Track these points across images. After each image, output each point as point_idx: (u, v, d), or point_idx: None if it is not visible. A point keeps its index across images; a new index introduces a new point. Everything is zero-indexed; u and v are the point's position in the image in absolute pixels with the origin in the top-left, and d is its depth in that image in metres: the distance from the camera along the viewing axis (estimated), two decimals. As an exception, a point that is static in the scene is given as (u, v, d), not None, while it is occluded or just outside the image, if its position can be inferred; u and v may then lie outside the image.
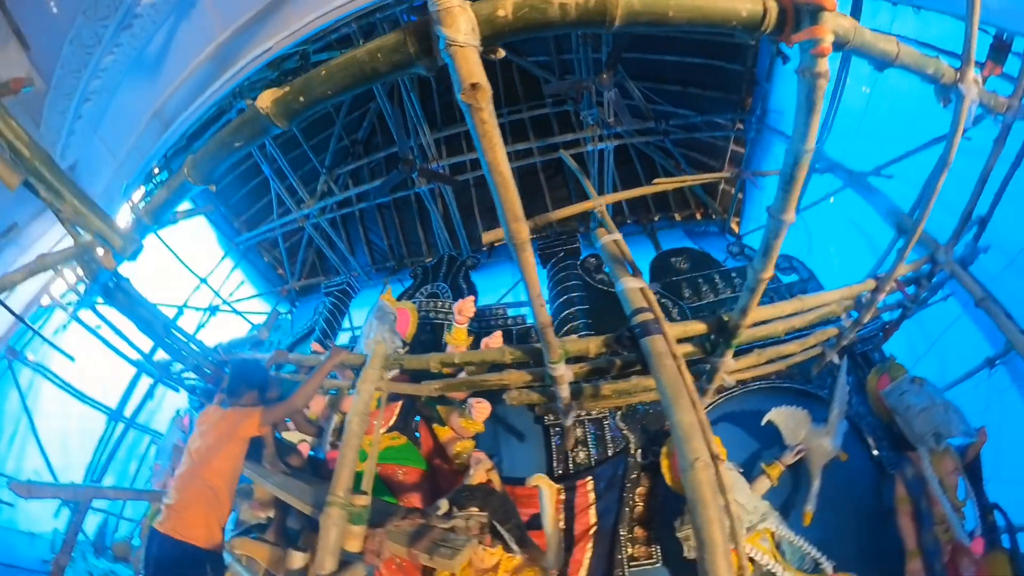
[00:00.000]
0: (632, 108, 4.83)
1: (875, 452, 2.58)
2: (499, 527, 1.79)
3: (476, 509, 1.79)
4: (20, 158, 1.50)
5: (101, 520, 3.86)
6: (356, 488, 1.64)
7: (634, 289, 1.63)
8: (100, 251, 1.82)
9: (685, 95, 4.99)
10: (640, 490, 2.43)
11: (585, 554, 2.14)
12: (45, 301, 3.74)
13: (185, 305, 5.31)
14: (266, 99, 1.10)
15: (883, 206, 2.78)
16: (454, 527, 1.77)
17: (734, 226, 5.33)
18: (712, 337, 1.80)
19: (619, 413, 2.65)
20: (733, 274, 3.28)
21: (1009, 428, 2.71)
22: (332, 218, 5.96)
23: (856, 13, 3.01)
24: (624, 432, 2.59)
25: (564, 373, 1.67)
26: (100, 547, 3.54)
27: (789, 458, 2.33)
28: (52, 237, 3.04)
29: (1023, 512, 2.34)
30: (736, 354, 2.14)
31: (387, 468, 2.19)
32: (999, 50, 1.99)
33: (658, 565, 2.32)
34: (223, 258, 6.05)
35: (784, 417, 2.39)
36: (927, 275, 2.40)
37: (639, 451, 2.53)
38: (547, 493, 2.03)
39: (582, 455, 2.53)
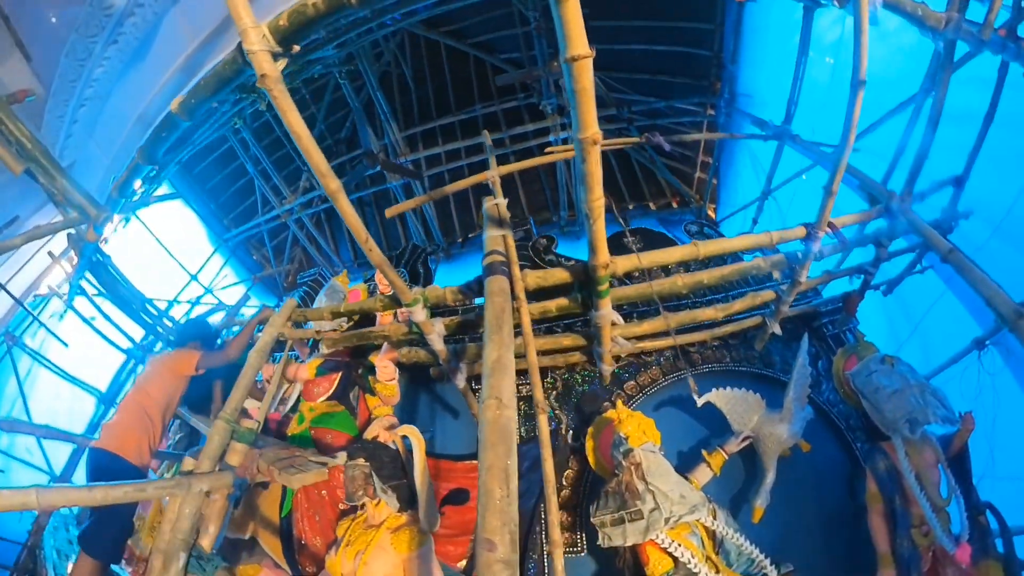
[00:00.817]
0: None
1: (852, 444, 2.25)
2: (381, 482, 1.79)
3: (362, 460, 1.83)
4: (24, 151, 1.89)
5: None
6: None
7: (494, 236, 1.54)
8: (84, 228, 2.26)
9: (655, 83, 4.90)
10: (568, 473, 2.18)
11: None
12: (43, 290, 4.04)
13: (176, 299, 5.34)
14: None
15: (854, 180, 2.55)
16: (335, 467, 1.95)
17: (711, 213, 5.10)
18: (580, 287, 1.64)
19: (553, 393, 2.38)
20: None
21: (1004, 416, 2.35)
22: (316, 214, 6.05)
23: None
24: (556, 412, 2.32)
25: (427, 321, 1.52)
26: (82, 520, 3.53)
27: (733, 446, 2.03)
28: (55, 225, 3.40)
29: (1021, 514, 1.98)
30: (640, 316, 2.03)
31: (319, 431, 2.29)
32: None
33: (583, 554, 2.03)
34: (212, 254, 6.18)
35: (728, 400, 2.08)
36: (886, 234, 2.11)
37: (570, 432, 2.26)
38: (416, 444, 1.89)
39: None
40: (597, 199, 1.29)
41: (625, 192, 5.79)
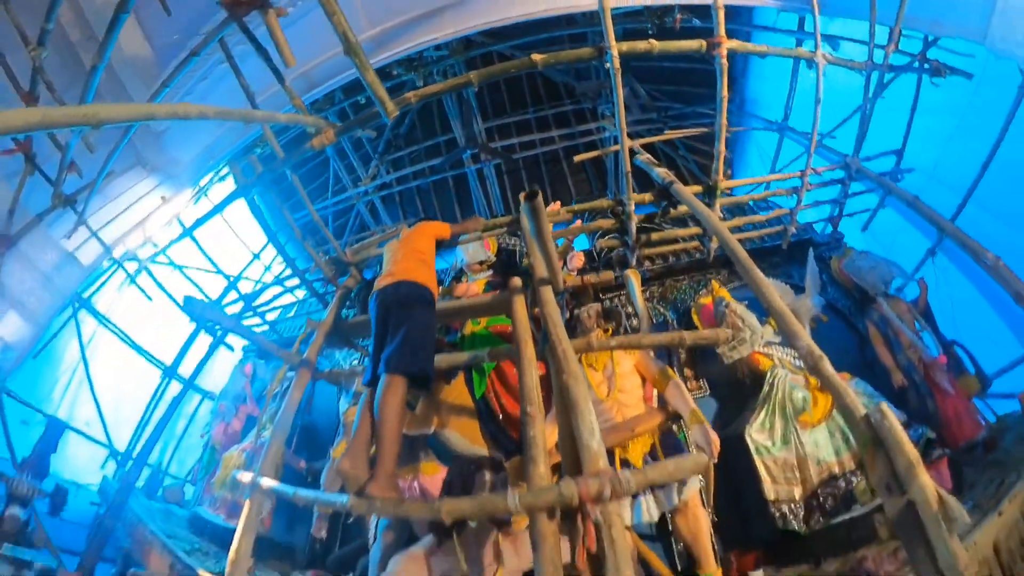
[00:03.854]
0: (641, 105, 6.09)
1: (848, 318, 3.49)
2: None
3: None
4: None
5: (148, 473, 3.95)
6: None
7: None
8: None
9: (681, 93, 6.25)
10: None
11: None
12: (118, 252, 3.94)
13: (240, 276, 5.60)
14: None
15: (834, 157, 3.92)
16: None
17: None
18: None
19: (656, 298, 3.60)
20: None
21: (960, 301, 3.62)
22: (370, 201, 6.97)
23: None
24: (661, 311, 3.52)
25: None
26: (151, 493, 3.71)
27: None
28: (140, 189, 3.83)
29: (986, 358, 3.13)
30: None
31: (495, 328, 2.90)
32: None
33: (706, 395, 3.15)
34: (268, 241, 6.47)
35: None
36: (847, 177, 3.47)
37: (674, 322, 3.46)
38: (634, 281, 2.97)
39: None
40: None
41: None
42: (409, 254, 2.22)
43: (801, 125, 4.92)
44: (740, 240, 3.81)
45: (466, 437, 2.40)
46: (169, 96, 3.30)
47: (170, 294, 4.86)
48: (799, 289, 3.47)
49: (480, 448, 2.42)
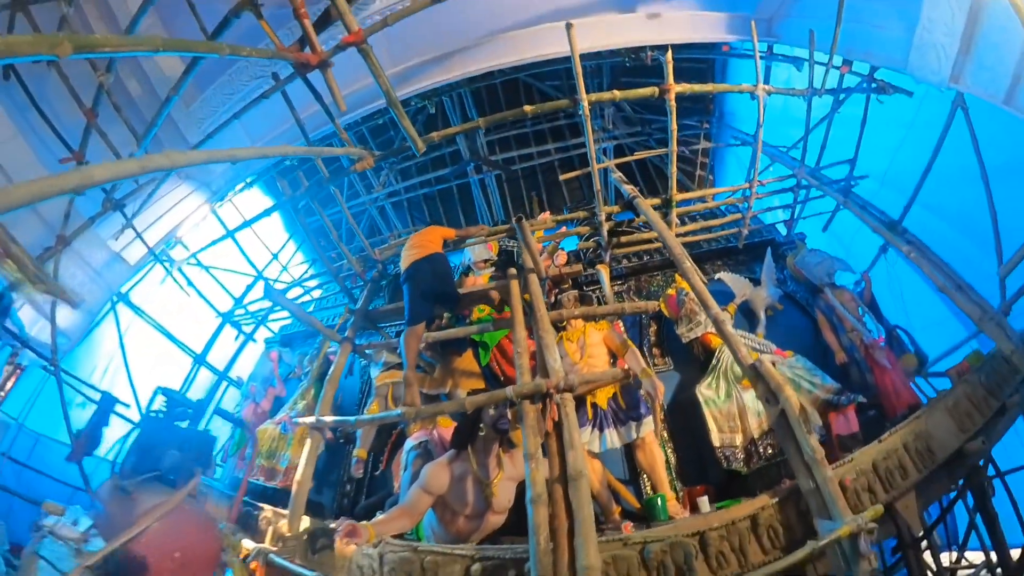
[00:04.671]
0: (625, 118, 6.67)
1: (804, 306, 3.91)
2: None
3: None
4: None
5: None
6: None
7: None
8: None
9: (663, 106, 6.81)
10: (652, 327, 3.82)
11: None
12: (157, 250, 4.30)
13: (260, 275, 6.15)
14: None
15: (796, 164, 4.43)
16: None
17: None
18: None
19: (632, 291, 4.09)
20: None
21: (909, 291, 4.02)
22: (381, 206, 7.66)
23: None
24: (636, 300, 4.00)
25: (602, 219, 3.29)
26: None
27: (735, 303, 3.67)
28: (176, 194, 4.35)
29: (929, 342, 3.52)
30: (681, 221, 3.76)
31: (497, 316, 3.45)
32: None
33: (671, 369, 3.61)
34: (289, 239, 7.32)
35: (731, 279, 3.85)
36: (796, 186, 3.97)
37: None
38: (603, 274, 3.56)
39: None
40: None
41: (643, 186, 7.63)
42: (423, 242, 3.10)
43: (772, 137, 5.42)
44: (707, 240, 4.35)
45: None
46: (210, 115, 3.93)
47: (199, 291, 5.43)
48: (758, 282, 3.94)
49: None
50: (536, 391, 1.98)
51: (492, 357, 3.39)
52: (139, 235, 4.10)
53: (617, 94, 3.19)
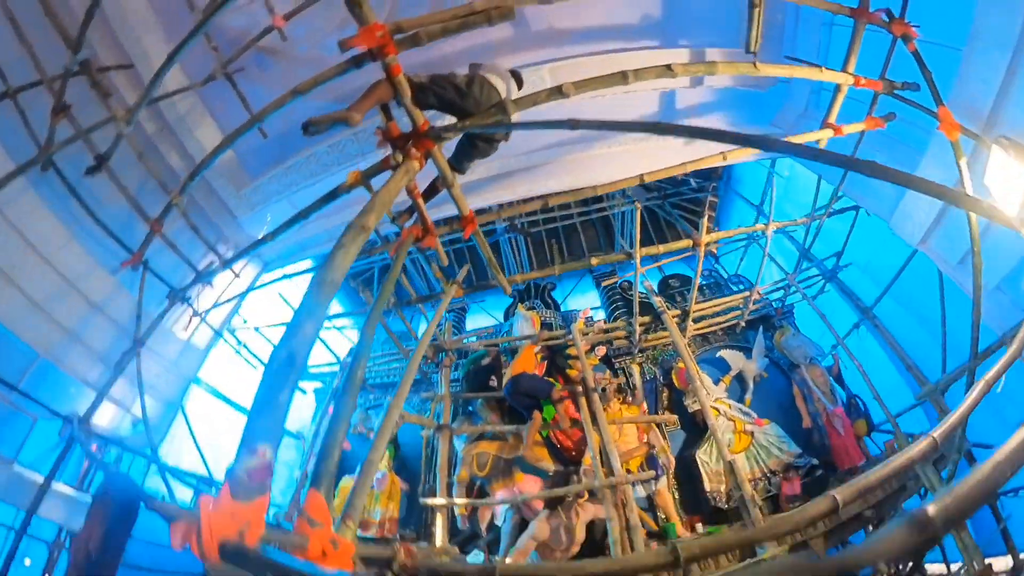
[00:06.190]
0: (645, 186, 7.69)
1: (787, 375, 5.00)
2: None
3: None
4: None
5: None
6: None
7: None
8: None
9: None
10: (664, 393, 5.02)
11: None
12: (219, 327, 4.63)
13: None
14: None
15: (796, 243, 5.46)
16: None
17: (713, 250, 7.83)
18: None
19: (648, 361, 5.30)
20: (703, 285, 5.97)
21: (873, 363, 4.99)
22: (414, 259, 8.62)
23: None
24: (652, 368, 5.21)
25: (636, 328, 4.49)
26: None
27: (730, 375, 4.83)
28: (229, 276, 4.63)
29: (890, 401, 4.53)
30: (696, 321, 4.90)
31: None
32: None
33: (679, 429, 4.80)
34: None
35: (729, 356, 5.00)
36: (786, 286, 5.03)
37: (660, 377, 5.13)
38: (635, 370, 4.87)
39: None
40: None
41: (655, 237, 8.61)
42: (520, 363, 4.45)
43: (777, 213, 6.29)
44: (715, 316, 5.40)
45: (541, 457, 4.25)
46: (262, 201, 4.57)
47: (258, 356, 5.90)
48: (751, 352, 5.05)
49: (547, 463, 4.20)
50: (609, 483, 3.50)
51: (551, 433, 4.31)
52: (204, 319, 4.45)
53: (661, 248, 4.29)
